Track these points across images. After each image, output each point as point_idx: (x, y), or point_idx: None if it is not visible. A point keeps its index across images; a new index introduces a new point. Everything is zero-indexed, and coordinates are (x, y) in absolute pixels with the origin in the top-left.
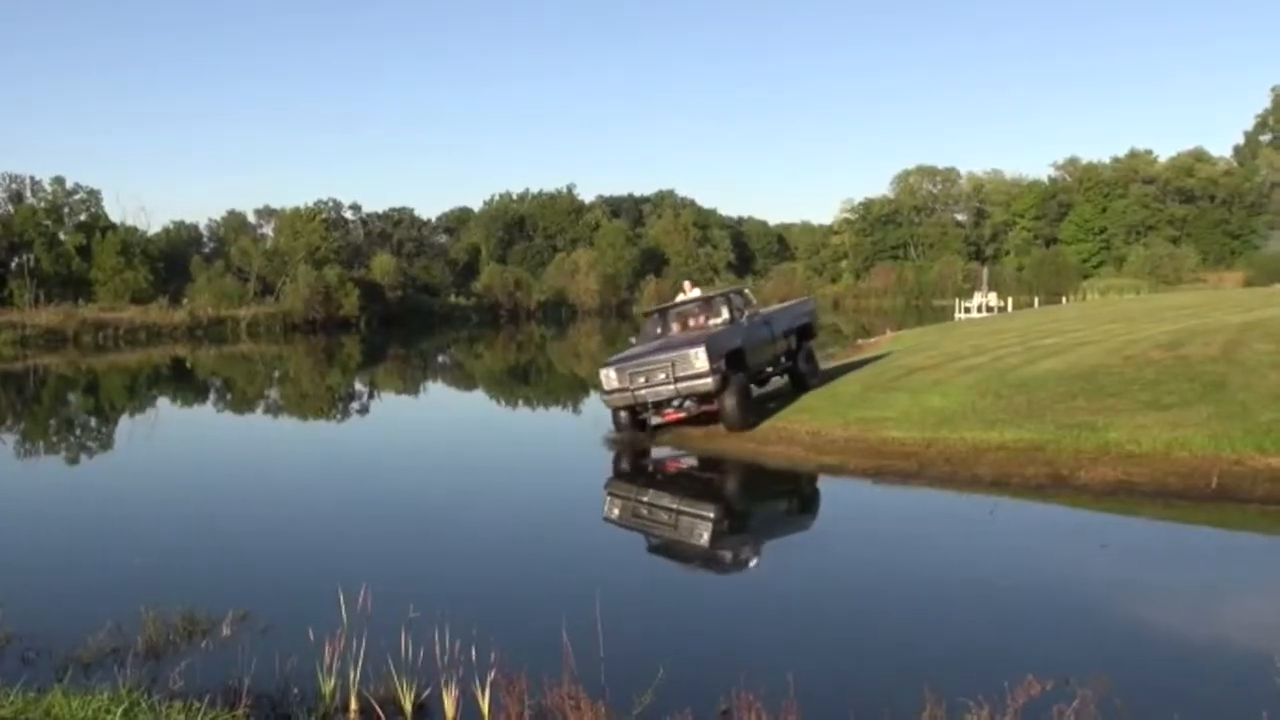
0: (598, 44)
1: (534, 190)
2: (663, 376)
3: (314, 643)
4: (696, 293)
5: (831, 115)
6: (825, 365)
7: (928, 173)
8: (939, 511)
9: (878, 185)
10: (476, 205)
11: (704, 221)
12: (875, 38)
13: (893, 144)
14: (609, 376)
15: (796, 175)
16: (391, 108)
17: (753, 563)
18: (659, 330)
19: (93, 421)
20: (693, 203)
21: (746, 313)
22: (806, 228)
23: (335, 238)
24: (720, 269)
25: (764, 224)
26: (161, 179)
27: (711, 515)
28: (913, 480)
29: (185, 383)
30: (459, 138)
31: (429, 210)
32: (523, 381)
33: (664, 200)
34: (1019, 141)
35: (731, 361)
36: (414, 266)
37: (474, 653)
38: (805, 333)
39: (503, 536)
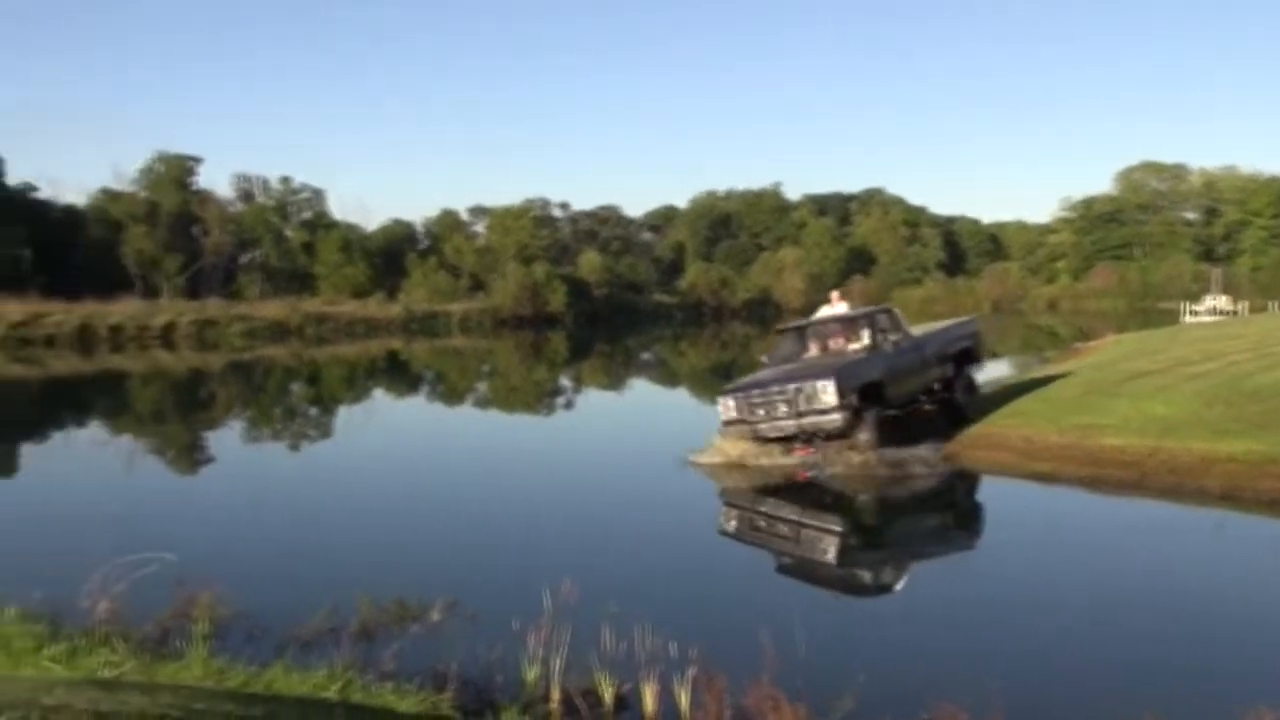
0: (807, 38)
1: (740, 188)
2: (785, 409)
3: (518, 632)
4: (843, 307)
5: (1050, 109)
6: (1041, 371)
7: (1154, 169)
8: (1161, 524)
9: (1098, 182)
10: (682, 203)
11: (913, 220)
12: (1096, 29)
13: (1115, 139)
14: (726, 406)
15: (1012, 172)
16: (599, 107)
17: (958, 571)
18: (792, 351)
19: (313, 411)
20: (902, 200)
21: (893, 337)
22: (1021, 226)
23: (544, 235)
24: (930, 268)
25: (976, 222)
26: (380, 178)
27: (935, 522)
28: (1133, 491)
29: (399, 375)
30: (666, 136)
31: (635, 208)
32: (725, 380)
33: (872, 198)
34: (1254, 136)
35: (867, 395)
36: (620, 264)
37: (673, 650)
38: (965, 357)
39: (706, 536)
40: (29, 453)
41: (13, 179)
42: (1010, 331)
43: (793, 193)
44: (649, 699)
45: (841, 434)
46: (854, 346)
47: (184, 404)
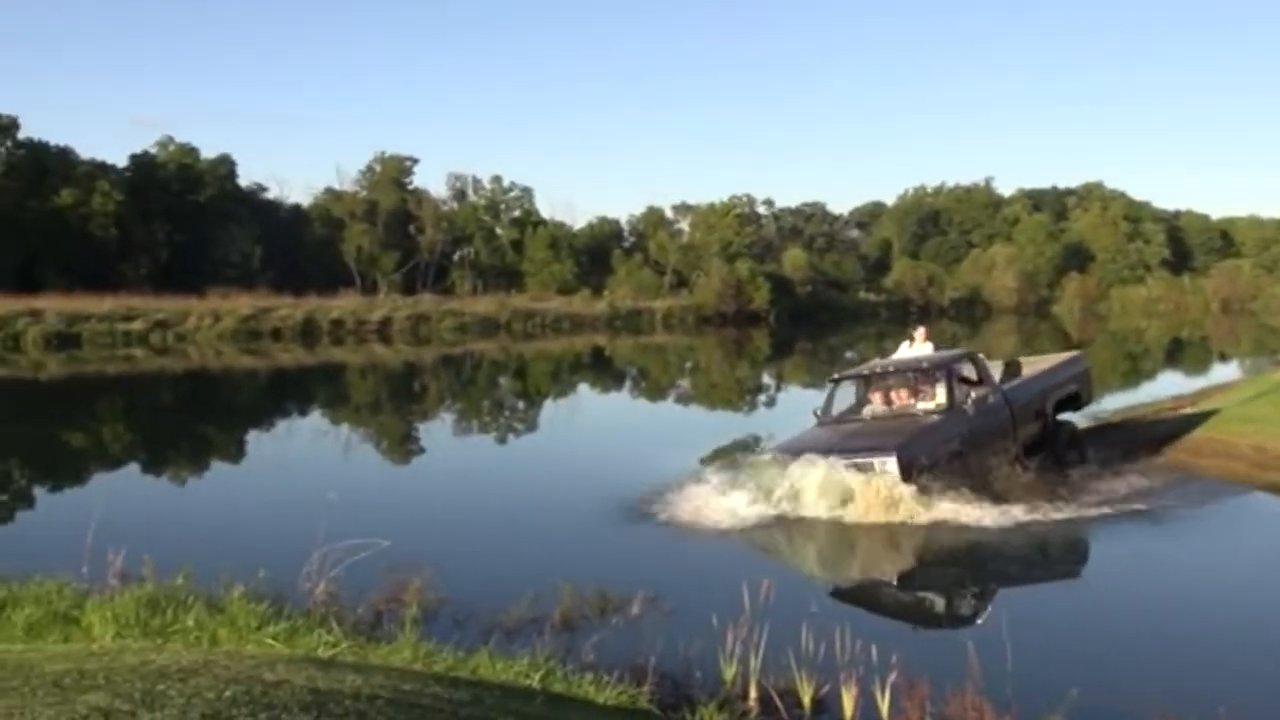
0: (1020, 24)
1: (950, 184)
2: None
3: (717, 629)
4: (927, 349)
5: None
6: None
7: None
8: None
9: None
10: (890, 199)
11: (1135, 214)
12: None
13: None
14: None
15: (1245, 163)
16: (804, 102)
17: (1182, 585)
18: (850, 405)
19: (520, 404)
20: (1123, 195)
21: (975, 393)
22: (1255, 221)
23: (748, 233)
24: (1152, 266)
25: (1205, 217)
26: (587, 177)
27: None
28: None
29: (603, 370)
30: (873, 131)
31: (841, 205)
32: None
33: (1091, 192)
34: None
35: (940, 472)
36: (824, 261)
37: (874, 654)
38: (1069, 404)
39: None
40: (257, 440)
41: (244, 180)
42: (1241, 333)
43: (1006, 187)
44: (848, 703)
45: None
46: (925, 405)
47: (398, 395)
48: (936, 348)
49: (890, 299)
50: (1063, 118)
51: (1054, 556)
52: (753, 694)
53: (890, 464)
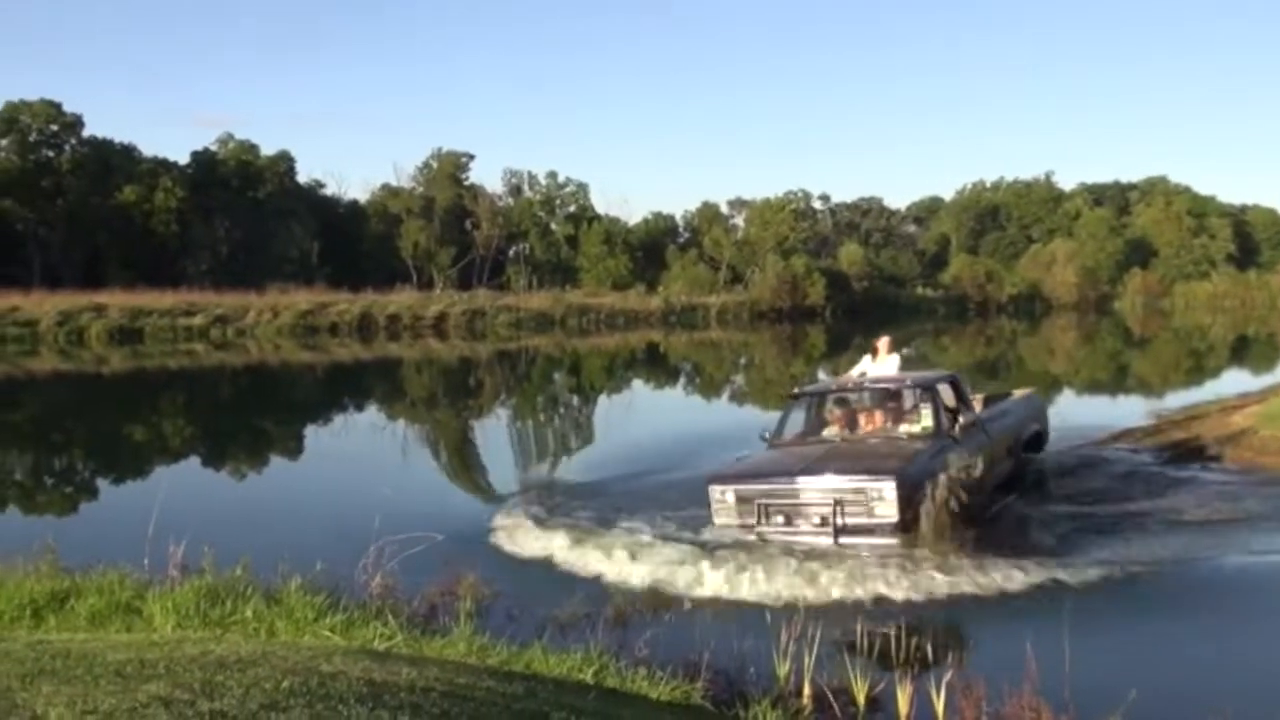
0: (1083, 14)
1: (1009, 178)
2: (818, 520)
3: (770, 625)
4: (892, 364)
5: None
6: None
7: None
8: None
9: None
10: (948, 194)
11: (1200, 209)
12: None
13: None
14: (722, 501)
15: None
16: (862, 96)
17: (1247, 584)
18: (808, 428)
19: (574, 400)
20: (1188, 189)
21: (962, 419)
22: None
23: (803, 228)
24: (1217, 261)
25: (1271, 211)
26: (643, 172)
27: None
28: None
29: (658, 366)
30: (931, 125)
31: (898, 199)
32: (990, 376)
33: (1154, 187)
34: None
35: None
36: (881, 257)
37: (930, 653)
38: (1033, 444)
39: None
40: (314, 434)
41: (303, 177)
42: None
43: (1066, 182)
44: (903, 701)
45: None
46: (906, 429)
47: (453, 390)
48: (903, 364)
49: (948, 295)
50: (1125, 111)
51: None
52: (806, 691)
53: (888, 490)
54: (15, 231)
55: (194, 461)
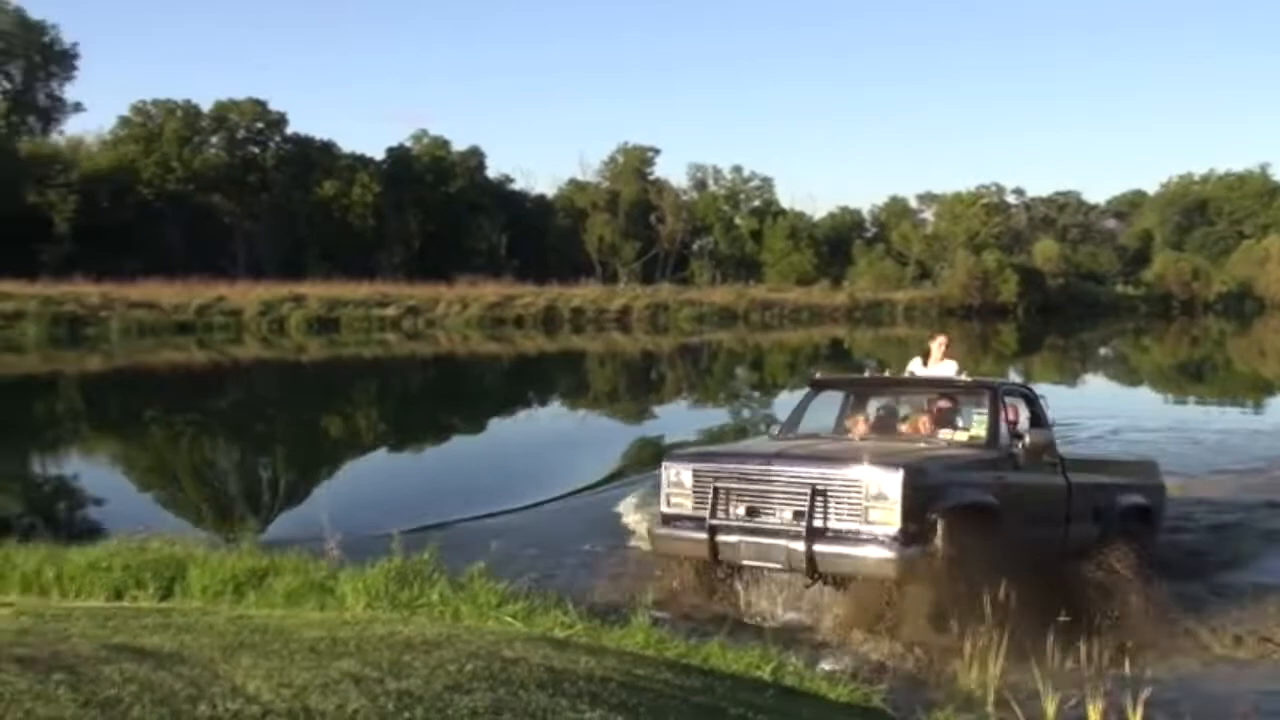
0: None
1: (1219, 171)
2: (790, 515)
3: (955, 633)
4: (948, 368)
5: None
6: None
7: None
8: None
9: None
10: (1152, 187)
11: None
12: None
13: None
14: (676, 481)
15: None
16: (1058, 87)
17: None
18: (833, 423)
19: (756, 394)
20: None
21: (1028, 437)
22: None
23: (996, 223)
24: None
25: None
26: (828, 166)
27: None
28: None
29: (841, 362)
30: (1133, 116)
31: (1098, 194)
32: (1195, 379)
33: None
34: None
35: (960, 524)
36: (1078, 253)
37: (1127, 668)
38: (1139, 520)
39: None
40: (496, 426)
41: (492, 172)
42: None
43: None
44: (1094, 717)
45: (893, 578)
46: (949, 435)
47: (636, 384)
48: (960, 369)
49: (1150, 293)
50: None
51: None
52: (991, 699)
53: (892, 485)
54: (223, 224)
55: (385, 449)
